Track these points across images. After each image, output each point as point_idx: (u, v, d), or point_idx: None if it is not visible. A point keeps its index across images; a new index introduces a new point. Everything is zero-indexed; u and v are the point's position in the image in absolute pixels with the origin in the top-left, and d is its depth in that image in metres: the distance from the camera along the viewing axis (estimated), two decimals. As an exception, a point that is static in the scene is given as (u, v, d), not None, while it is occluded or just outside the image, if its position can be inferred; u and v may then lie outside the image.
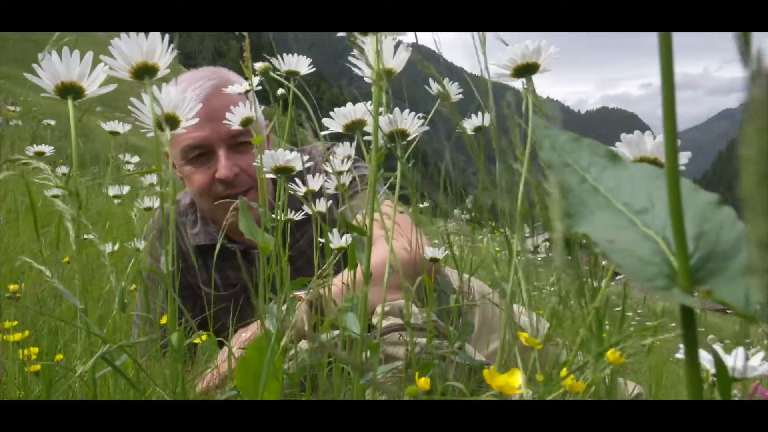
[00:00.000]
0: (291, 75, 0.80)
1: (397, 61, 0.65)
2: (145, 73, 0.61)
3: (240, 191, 1.18)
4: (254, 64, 0.76)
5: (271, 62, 0.78)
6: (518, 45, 0.63)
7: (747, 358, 0.53)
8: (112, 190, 1.71)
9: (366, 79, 0.62)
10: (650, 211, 0.24)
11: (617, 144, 0.57)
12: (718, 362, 0.32)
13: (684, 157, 0.58)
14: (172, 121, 0.65)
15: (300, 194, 0.85)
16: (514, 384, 0.49)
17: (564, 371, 0.53)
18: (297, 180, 0.85)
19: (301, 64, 0.80)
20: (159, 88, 0.65)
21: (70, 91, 0.60)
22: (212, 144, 1.16)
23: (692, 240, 0.23)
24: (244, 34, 0.65)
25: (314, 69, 0.82)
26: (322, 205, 0.86)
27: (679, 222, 0.22)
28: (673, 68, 0.22)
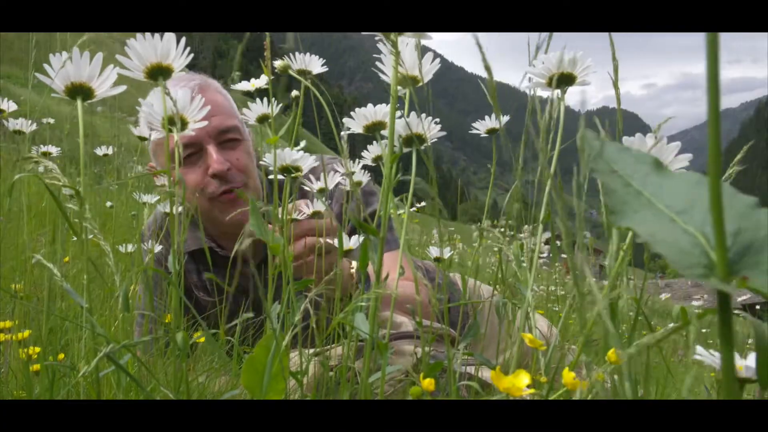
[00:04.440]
0: (302, 74, 0.81)
1: (423, 70, 0.65)
2: (159, 73, 0.62)
3: (234, 186, 1.18)
4: (274, 62, 0.76)
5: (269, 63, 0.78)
6: (553, 54, 0.62)
7: None
8: (144, 198, 1.71)
9: (402, 90, 0.62)
10: (690, 211, 0.26)
11: None
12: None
13: (684, 160, 0.58)
14: (181, 122, 0.66)
15: (314, 191, 0.86)
16: (520, 385, 0.50)
17: (566, 371, 0.53)
18: (306, 184, 0.86)
19: (313, 63, 0.81)
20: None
21: (79, 91, 0.60)
22: (201, 141, 1.17)
23: (730, 236, 0.25)
24: (267, 33, 0.65)
25: (327, 69, 0.82)
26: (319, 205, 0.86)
27: (719, 217, 0.24)
28: (718, 71, 0.23)
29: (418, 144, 0.67)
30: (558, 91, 0.64)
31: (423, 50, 0.63)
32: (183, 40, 0.60)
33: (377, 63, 0.63)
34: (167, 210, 1.11)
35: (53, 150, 1.72)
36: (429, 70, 0.65)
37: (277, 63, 0.78)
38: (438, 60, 0.65)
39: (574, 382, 0.52)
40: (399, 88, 0.63)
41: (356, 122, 0.69)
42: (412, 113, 0.67)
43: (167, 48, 0.61)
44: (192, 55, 0.62)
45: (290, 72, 0.78)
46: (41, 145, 1.77)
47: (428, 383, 0.54)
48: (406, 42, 0.62)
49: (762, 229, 0.25)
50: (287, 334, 0.57)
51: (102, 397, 0.59)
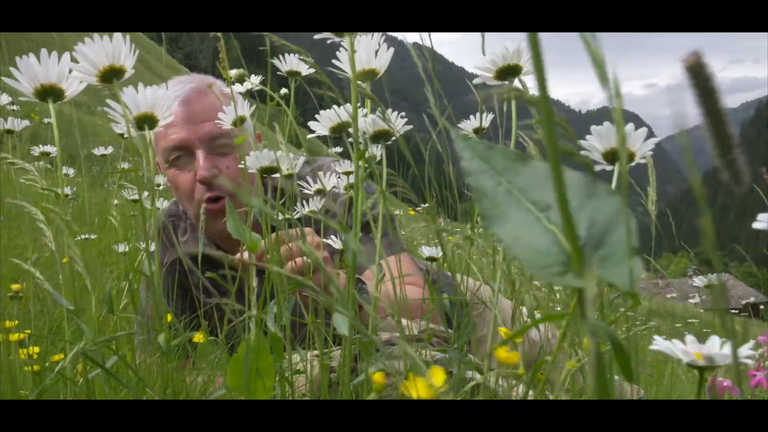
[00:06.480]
0: (292, 75, 0.80)
1: (380, 62, 0.65)
2: (112, 76, 0.60)
3: (220, 195, 1.16)
4: (230, 71, 0.76)
5: (264, 63, 0.78)
6: (499, 46, 0.62)
7: (719, 347, 0.51)
8: (130, 195, 1.71)
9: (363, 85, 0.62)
10: (553, 207, 0.25)
11: (587, 137, 0.57)
12: (613, 340, 0.30)
13: (651, 143, 0.57)
14: (151, 121, 0.64)
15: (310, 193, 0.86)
16: (437, 384, 0.43)
17: (542, 362, 0.51)
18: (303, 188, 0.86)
19: (302, 64, 0.80)
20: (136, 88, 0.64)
21: (49, 93, 0.59)
22: (191, 145, 1.16)
23: (586, 230, 0.24)
24: (219, 35, 0.65)
25: (314, 70, 0.82)
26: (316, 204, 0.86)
27: (566, 213, 0.23)
28: (543, 63, 0.22)
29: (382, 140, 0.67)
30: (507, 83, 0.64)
31: (381, 43, 0.63)
32: (128, 38, 0.59)
33: (334, 61, 0.63)
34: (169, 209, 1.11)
35: (52, 150, 1.72)
36: (384, 60, 0.65)
37: (233, 72, 0.77)
38: (391, 50, 0.65)
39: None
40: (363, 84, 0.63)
41: (322, 124, 0.69)
42: (377, 110, 0.67)
43: (118, 48, 0.59)
44: (137, 52, 0.60)
45: (246, 80, 0.78)
46: (40, 145, 1.76)
47: (379, 376, 0.52)
48: (358, 39, 0.62)
49: (613, 219, 0.24)
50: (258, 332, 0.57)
51: (94, 397, 0.59)
